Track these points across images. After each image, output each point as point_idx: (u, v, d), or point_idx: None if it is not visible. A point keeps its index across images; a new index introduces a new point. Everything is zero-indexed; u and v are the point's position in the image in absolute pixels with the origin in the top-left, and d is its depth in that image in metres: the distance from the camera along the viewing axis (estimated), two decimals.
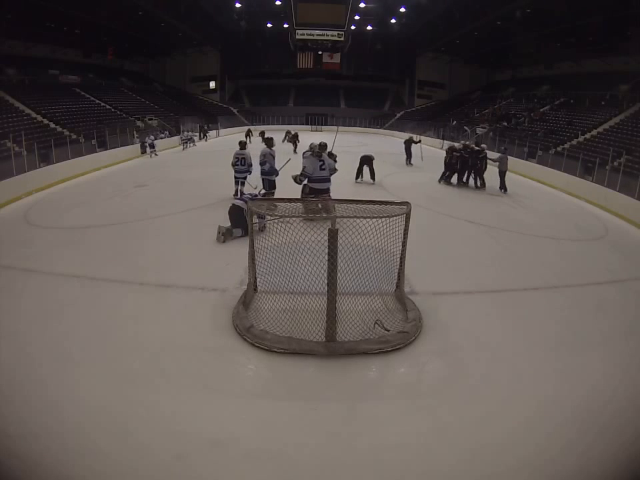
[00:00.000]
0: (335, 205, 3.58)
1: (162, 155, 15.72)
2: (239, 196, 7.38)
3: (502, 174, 10.03)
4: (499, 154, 10.61)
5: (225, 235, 5.77)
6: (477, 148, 10.50)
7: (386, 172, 11.87)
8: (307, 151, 6.86)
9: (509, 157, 10.52)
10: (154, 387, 2.91)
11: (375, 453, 2.41)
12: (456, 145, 11.33)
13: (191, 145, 18.59)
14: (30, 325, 3.61)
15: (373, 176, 10.37)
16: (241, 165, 7.82)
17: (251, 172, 8.01)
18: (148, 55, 29.49)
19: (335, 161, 7.23)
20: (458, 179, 10.64)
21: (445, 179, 10.75)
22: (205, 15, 26.72)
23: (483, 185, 10.20)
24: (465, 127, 20.54)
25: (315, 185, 6.50)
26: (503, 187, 9.99)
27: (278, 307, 3.68)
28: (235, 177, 8.00)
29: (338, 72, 31.91)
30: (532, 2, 18.99)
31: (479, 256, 5.69)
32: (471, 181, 10.52)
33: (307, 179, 6.56)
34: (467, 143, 11.48)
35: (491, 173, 10.31)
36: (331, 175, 6.68)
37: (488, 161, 10.19)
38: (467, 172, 10.55)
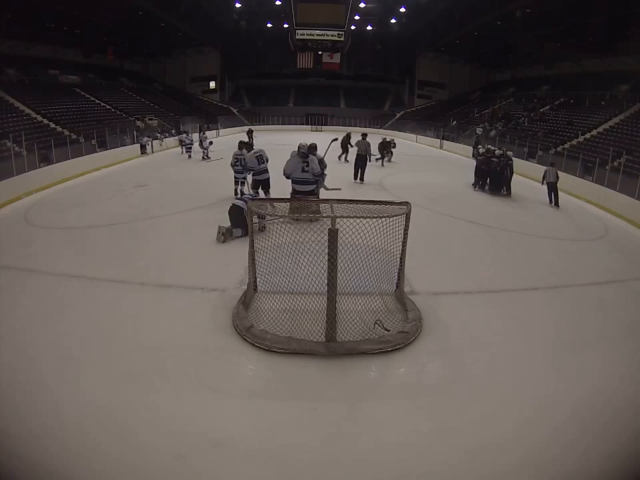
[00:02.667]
0: (334, 204, 3.58)
1: (162, 155, 15.71)
2: (239, 196, 7.41)
3: (550, 186, 9.09)
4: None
5: (225, 235, 5.77)
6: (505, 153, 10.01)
7: (386, 172, 11.87)
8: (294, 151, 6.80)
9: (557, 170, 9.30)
10: (154, 387, 2.91)
11: (374, 453, 2.41)
12: (492, 149, 10.56)
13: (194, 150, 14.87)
14: (30, 325, 3.61)
15: (362, 176, 10.33)
16: (240, 165, 7.89)
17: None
18: (148, 55, 29.48)
19: (322, 168, 7.05)
20: (484, 185, 10.10)
21: (488, 187, 10.01)
22: (205, 15, 26.69)
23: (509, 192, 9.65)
24: (477, 130, 20.20)
25: (297, 187, 6.46)
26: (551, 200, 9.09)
27: (278, 307, 3.68)
28: (235, 177, 8.07)
29: (338, 72, 31.89)
30: (532, 2, 18.98)
31: (479, 256, 5.69)
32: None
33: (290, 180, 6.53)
34: (490, 147, 11.05)
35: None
36: (316, 179, 6.55)
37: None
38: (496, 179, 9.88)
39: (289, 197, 6.39)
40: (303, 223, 3.62)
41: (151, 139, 16.23)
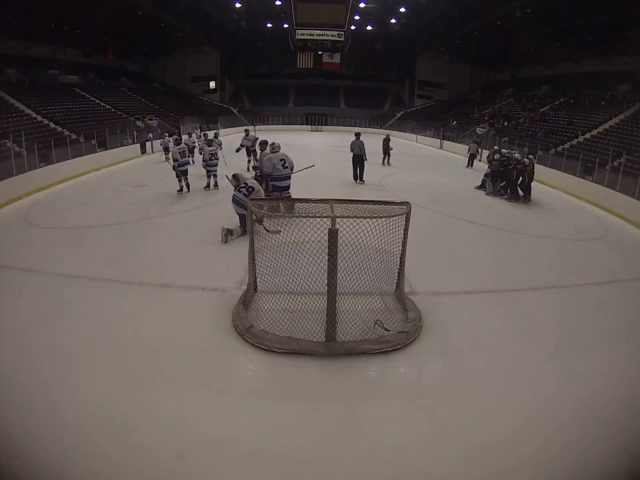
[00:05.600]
0: (334, 204, 3.58)
1: (159, 155, 15.68)
2: (210, 188, 9.06)
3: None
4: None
5: (226, 236, 5.77)
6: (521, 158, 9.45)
7: (386, 172, 11.87)
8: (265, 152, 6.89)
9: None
10: (154, 387, 2.91)
11: (375, 453, 2.41)
12: (515, 154, 9.77)
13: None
14: (30, 325, 3.61)
15: (361, 176, 10.28)
16: (215, 159, 9.04)
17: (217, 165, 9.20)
18: (148, 55, 29.46)
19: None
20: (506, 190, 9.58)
21: (507, 192, 9.38)
22: (205, 15, 26.68)
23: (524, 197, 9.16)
24: (477, 130, 19.96)
25: (278, 183, 6.51)
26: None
27: (278, 307, 3.68)
28: (208, 171, 9.07)
29: (338, 72, 31.82)
30: (532, 2, 18.98)
31: (479, 256, 5.69)
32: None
33: (269, 179, 6.55)
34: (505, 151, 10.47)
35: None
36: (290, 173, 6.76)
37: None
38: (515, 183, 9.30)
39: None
40: (304, 222, 3.59)
41: (171, 138, 15.95)
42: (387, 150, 13.75)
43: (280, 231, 3.55)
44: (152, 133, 16.85)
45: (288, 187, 6.65)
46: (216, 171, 9.13)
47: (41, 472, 2.22)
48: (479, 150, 15.50)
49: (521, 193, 9.18)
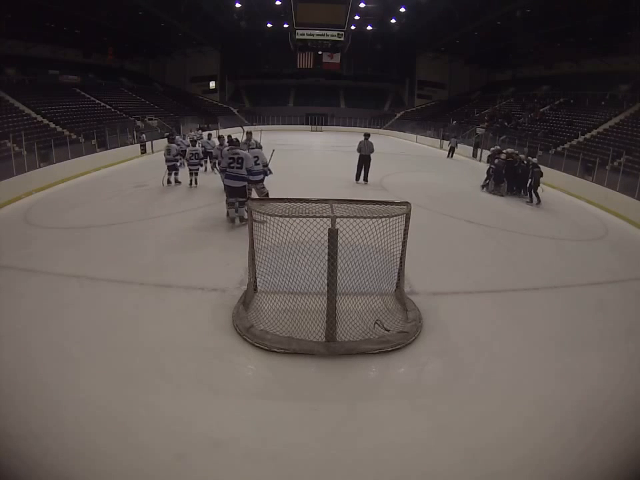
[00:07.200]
0: (334, 204, 3.58)
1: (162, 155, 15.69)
2: (195, 185, 9.54)
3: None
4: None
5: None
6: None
7: (386, 172, 11.86)
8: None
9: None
10: (154, 386, 2.91)
11: (375, 452, 2.41)
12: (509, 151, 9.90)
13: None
14: (30, 325, 3.61)
15: (366, 177, 10.30)
16: (195, 158, 9.70)
17: (202, 164, 10.26)
18: (148, 55, 29.48)
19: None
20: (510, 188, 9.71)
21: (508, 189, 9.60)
22: (205, 15, 26.67)
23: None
24: (478, 129, 19.75)
25: (250, 177, 6.82)
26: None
27: (278, 307, 3.69)
28: (190, 170, 9.60)
29: (338, 72, 31.84)
30: (532, 2, 18.98)
31: (479, 256, 5.69)
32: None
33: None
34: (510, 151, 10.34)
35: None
36: (264, 169, 7.08)
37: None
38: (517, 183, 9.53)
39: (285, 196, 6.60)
40: (304, 223, 3.59)
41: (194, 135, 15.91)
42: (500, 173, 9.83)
43: (265, 221, 3.58)
44: (145, 134, 16.92)
45: (262, 180, 7.07)
46: (197, 170, 9.80)
47: (41, 472, 2.22)
48: (458, 144, 17.61)
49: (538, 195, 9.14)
